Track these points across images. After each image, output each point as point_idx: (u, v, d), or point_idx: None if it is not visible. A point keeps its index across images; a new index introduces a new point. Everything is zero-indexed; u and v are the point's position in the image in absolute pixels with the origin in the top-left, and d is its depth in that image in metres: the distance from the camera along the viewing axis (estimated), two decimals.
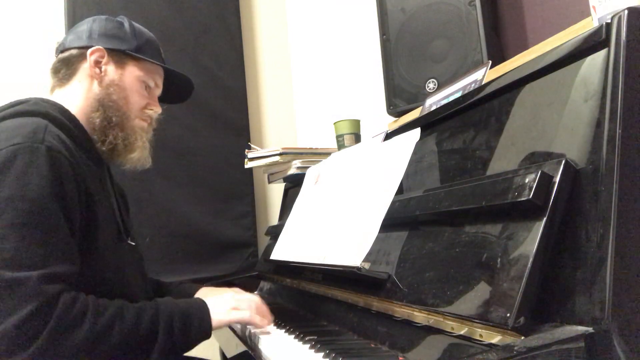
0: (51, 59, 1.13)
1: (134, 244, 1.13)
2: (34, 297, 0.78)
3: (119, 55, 1.10)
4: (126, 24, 1.12)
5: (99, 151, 1.07)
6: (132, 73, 1.11)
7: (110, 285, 0.97)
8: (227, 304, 0.99)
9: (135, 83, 1.11)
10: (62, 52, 1.10)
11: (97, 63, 1.08)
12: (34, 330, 0.77)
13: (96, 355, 0.82)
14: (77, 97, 1.07)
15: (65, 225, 0.87)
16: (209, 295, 1.16)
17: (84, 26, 1.11)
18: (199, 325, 0.94)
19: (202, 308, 0.96)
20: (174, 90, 1.24)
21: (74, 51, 1.08)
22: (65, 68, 1.09)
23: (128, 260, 1.07)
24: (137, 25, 1.15)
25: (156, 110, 1.16)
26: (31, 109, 0.96)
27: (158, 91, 1.18)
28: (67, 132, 0.97)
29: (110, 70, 1.09)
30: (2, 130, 0.90)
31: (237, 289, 1.18)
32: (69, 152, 0.92)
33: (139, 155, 1.12)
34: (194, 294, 1.28)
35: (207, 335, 0.96)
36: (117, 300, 0.90)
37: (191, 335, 0.93)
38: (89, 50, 1.07)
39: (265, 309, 1.05)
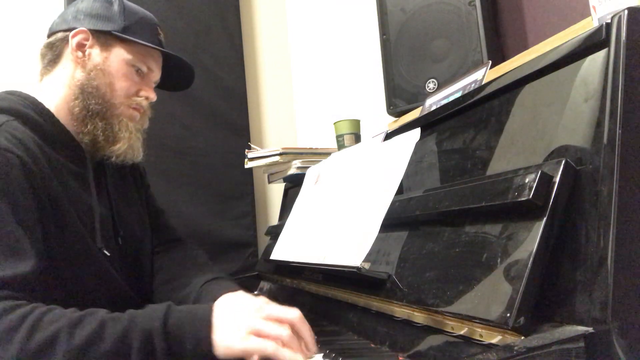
0: None
1: (109, 254, 0.99)
2: None
3: (105, 37, 1.01)
4: (116, 3, 1.03)
5: (83, 146, 1.00)
6: (118, 56, 1.01)
7: (83, 295, 0.89)
8: (245, 325, 0.72)
9: (123, 67, 1.02)
10: (48, 36, 1.03)
11: (81, 46, 1.00)
12: None
13: None
14: (61, 84, 1.00)
15: (14, 226, 0.79)
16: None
17: (72, 7, 1.04)
18: (193, 350, 0.71)
19: (202, 324, 0.73)
20: (175, 76, 1.15)
21: (59, 34, 1.01)
22: (50, 53, 1.02)
23: (103, 268, 0.96)
24: (129, 4, 1.05)
25: (149, 97, 1.06)
26: None
27: (154, 76, 1.09)
28: (36, 128, 0.91)
29: (95, 54, 1.00)
30: None
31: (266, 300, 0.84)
32: (27, 151, 0.85)
33: (125, 147, 1.02)
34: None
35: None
36: (87, 310, 0.74)
37: None
38: (71, 33, 0.99)
39: (304, 330, 0.77)
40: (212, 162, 2.11)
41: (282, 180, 1.81)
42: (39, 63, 1.05)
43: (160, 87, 1.15)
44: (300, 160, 1.66)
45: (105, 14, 1.02)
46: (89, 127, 0.99)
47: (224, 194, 2.11)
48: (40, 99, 0.98)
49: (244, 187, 2.15)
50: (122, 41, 1.02)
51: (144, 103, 1.07)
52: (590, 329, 0.51)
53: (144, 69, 1.06)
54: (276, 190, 2.25)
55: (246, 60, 2.27)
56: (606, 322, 0.51)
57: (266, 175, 1.90)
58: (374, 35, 1.71)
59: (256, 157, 1.73)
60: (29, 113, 0.92)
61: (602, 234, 0.54)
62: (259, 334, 0.72)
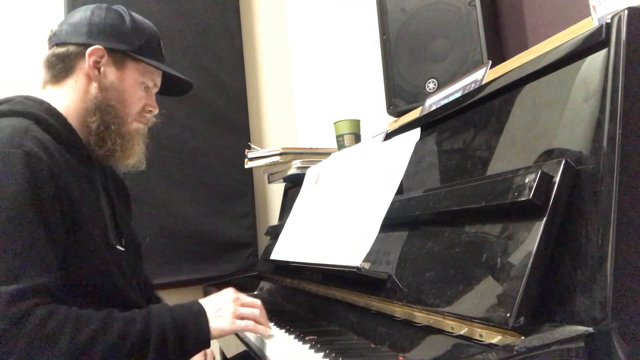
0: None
1: (123, 249, 1.05)
2: (3, 317, 0.74)
3: (119, 56, 1.04)
4: (127, 18, 1.05)
5: (90, 151, 1.03)
6: (131, 75, 1.05)
7: (97, 293, 0.93)
8: (230, 312, 0.93)
9: (135, 85, 1.06)
10: (57, 44, 1.03)
11: (96, 63, 1.02)
12: (6, 350, 0.73)
13: None
14: (72, 97, 1.02)
15: (43, 234, 0.83)
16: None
17: (83, 17, 1.03)
18: (196, 337, 0.89)
19: (200, 316, 0.91)
20: (171, 85, 1.18)
21: (71, 47, 1.02)
22: (61, 64, 1.02)
23: (118, 265, 1.00)
24: (137, 18, 1.08)
25: (154, 111, 1.12)
26: (14, 109, 0.93)
27: (156, 89, 1.13)
28: (52, 132, 0.93)
29: (110, 72, 1.03)
30: None
31: (233, 290, 1.03)
32: (50, 155, 0.88)
33: (136, 160, 1.08)
34: None
35: (205, 346, 0.91)
36: (104, 311, 0.85)
37: (187, 348, 0.88)
38: (89, 50, 1.01)
39: (264, 313, 0.99)
40: (212, 162, 2.11)
41: (282, 180, 1.81)
42: (44, 71, 1.05)
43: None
44: (300, 160, 1.66)
45: (119, 32, 1.04)
46: (108, 143, 1.03)
47: (224, 194, 2.11)
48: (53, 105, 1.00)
49: (244, 187, 2.16)
50: (135, 60, 1.05)
51: (151, 121, 1.13)
52: (590, 329, 0.51)
53: (151, 84, 1.10)
54: (276, 190, 2.25)
55: (246, 60, 2.26)
56: (606, 322, 0.51)
57: (266, 175, 1.90)
58: (374, 35, 1.71)
59: (256, 157, 1.73)
60: (45, 117, 0.94)
61: (602, 234, 0.54)
62: (240, 317, 0.94)
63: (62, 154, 0.93)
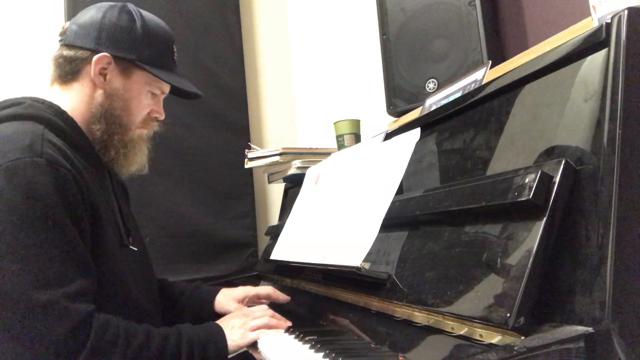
0: (50, 52, 1.04)
1: (136, 249, 1.07)
2: (65, 317, 0.78)
3: (127, 64, 1.01)
4: (139, 24, 1.02)
5: (98, 154, 1.03)
6: (138, 83, 1.03)
7: (111, 292, 0.94)
8: (241, 328, 1.01)
9: (140, 93, 1.04)
10: (66, 45, 1.01)
11: (102, 70, 1.00)
12: (72, 352, 0.78)
13: None
14: (78, 100, 1.01)
15: (78, 238, 0.85)
16: (227, 300, 1.24)
17: (94, 20, 1.00)
18: (216, 355, 0.96)
19: (219, 335, 0.98)
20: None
21: (79, 51, 1.00)
22: (68, 66, 1.01)
23: (130, 265, 1.03)
24: (150, 22, 1.04)
25: (160, 117, 1.11)
26: (26, 112, 0.91)
27: (164, 96, 1.11)
28: (65, 137, 0.93)
29: (115, 80, 1.01)
30: None
31: (244, 308, 1.15)
32: (69, 161, 0.88)
33: (138, 167, 1.09)
34: (213, 299, 1.26)
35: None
36: (143, 326, 0.91)
37: None
38: (95, 58, 0.99)
39: (277, 315, 1.06)
40: (212, 162, 2.11)
41: (282, 180, 1.81)
42: (52, 67, 1.03)
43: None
44: (300, 160, 1.66)
45: (129, 39, 1.01)
46: (112, 152, 1.03)
47: (224, 194, 2.11)
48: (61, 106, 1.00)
49: (244, 187, 2.15)
50: (142, 69, 1.03)
51: (156, 126, 1.12)
52: (590, 329, 0.51)
53: (158, 92, 1.08)
54: (276, 190, 2.25)
55: (246, 60, 2.26)
56: (606, 322, 0.51)
57: (266, 175, 1.90)
58: (374, 35, 1.71)
59: (256, 157, 1.73)
60: (57, 121, 0.94)
61: (602, 234, 0.54)
62: (252, 329, 1.00)
63: (77, 159, 0.93)
